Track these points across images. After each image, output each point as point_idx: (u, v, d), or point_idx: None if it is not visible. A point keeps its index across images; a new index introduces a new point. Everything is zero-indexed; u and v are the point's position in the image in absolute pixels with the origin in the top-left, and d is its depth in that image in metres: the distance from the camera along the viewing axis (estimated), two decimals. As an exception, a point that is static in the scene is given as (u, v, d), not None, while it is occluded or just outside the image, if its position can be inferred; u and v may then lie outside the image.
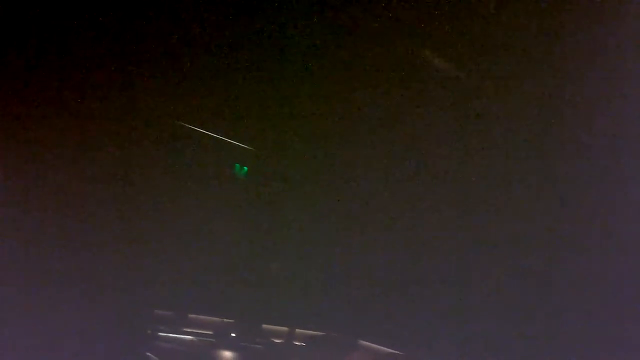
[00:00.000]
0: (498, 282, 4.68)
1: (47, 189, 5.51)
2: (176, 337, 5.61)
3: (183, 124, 5.78)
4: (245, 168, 5.74)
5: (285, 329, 5.72)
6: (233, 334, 5.66)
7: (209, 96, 5.76)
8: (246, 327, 5.68)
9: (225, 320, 5.67)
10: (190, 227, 5.63)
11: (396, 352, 5.41)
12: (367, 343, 5.58)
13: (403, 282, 5.09)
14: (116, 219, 5.64)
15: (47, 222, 5.46)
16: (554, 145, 4.80)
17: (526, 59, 4.87)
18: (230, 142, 5.77)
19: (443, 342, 4.75)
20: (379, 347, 5.55)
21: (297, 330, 5.70)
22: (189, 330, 5.65)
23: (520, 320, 4.53)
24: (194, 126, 5.76)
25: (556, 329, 4.42)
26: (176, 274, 5.53)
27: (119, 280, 5.45)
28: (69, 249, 5.43)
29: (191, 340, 5.63)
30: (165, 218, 5.66)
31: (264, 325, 5.74)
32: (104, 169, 5.63)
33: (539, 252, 4.63)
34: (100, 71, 5.69)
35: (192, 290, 5.57)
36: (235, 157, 5.82)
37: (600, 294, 4.29)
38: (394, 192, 5.33)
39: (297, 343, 5.72)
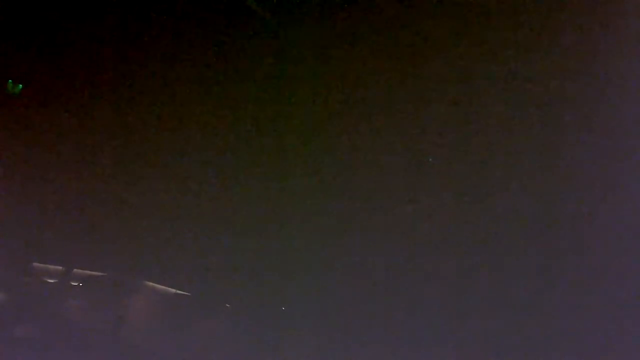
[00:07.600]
0: (498, 281, 4.68)
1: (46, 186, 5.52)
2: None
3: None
4: (14, 84, 5.50)
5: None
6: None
7: (209, 96, 5.78)
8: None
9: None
10: (190, 226, 5.64)
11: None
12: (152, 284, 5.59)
13: (402, 280, 5.08)
14: (115, 218, 5.64)
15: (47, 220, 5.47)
16: (553, 145, 4.79)
17: (526, 59, 4.88)
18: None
19: (443, 342, 4.74)
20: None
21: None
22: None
23: (519, 321, 4.52)
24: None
25: (556, 329, 4.41)
26: (175, 273, 5.53)
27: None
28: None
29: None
30: (165, 218, 5.66)
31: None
32: (102, 167, 5.64)
33: (539, 251, 4.63)
34: (99, 71, 5.70)
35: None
36: (234, 157, 5.83)
37: (600, 293, 4.28)
38: (394, 191, 5.33)
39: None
